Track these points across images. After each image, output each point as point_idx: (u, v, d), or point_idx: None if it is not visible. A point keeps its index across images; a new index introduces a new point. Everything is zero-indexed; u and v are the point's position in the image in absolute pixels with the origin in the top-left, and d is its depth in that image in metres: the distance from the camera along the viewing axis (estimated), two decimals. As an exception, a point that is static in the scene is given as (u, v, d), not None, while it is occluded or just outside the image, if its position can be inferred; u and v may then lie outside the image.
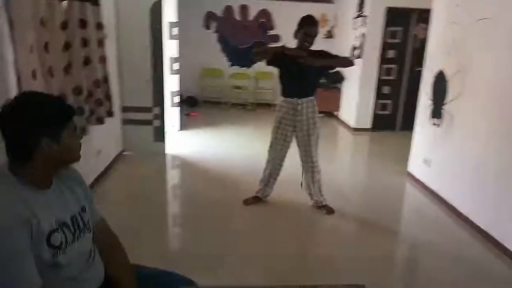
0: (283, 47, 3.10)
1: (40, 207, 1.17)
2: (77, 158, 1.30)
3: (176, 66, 5.76)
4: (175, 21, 5.59)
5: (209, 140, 5.84)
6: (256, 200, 3.60)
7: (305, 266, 2.79)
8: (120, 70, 4.58)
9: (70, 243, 1.25)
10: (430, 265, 2.86)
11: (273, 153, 3.43)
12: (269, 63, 3.24)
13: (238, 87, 8.21)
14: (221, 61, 8.31)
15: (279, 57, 3.11)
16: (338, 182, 4.35)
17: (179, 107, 5.97)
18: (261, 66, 8.15)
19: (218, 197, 3.80)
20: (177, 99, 5.87)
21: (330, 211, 3.50)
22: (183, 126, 6.20)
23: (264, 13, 8.19)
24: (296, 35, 3.15)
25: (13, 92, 2.27)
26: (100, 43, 3.63)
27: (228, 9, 8.18)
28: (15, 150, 1.16)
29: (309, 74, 3.16)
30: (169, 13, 5.51)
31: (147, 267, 1.61)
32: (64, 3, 2.90)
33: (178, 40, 5.66)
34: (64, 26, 2.84)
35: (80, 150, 1.31)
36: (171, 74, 5.74)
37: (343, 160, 5.71)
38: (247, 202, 3.58)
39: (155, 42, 4.60)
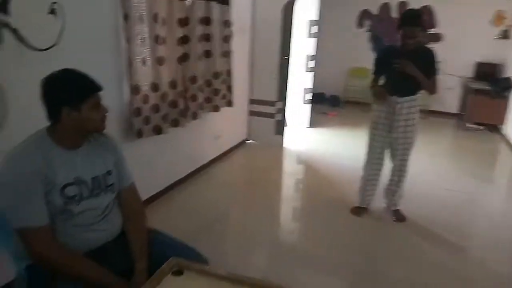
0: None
1: (61, 163, 1.45)
2: (98, 128, 1.54)
3: (311, 64, 5.82)
4: (315, 19, 5.64)
5: (337, 141, 5.73)
6: (358, 210, 3.40)
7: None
8: (251, 65, 4.93)
9: (85, 197, 1.51)
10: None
11: (371, 156, 3.21)
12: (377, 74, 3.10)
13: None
14: (369, 61, 7.96)
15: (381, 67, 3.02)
16: (487, 209, 3.76)
17: (310, 104, 6.02)
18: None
19: (325, 198, 3.76)
20: (309, 96, 5.94)
21: (400, 218, 3.29)
22: (314, 123, 6.23)
23: (426, 10, 7.45)
24: (398, 30, 2.85)
25: (125, 74, 2.76)
26: (226, 39, 4.00)
27: (385, 7, 7.76)
28: (48, 114, 1.46)
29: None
30: (310, 11, 5.61)
31: (166, 235, 1.78)
32: (187, 2, 3.31)
33: (316, 38, 5.70)
34: (183, 22, 3.26)
35: (102, 122, 1.54)
36: (306, 71, 5.84)
37: (498, 184, 4.72)
38: (353, 211, 3.42)
39: (284, 40, 4.76)
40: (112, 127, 2.75)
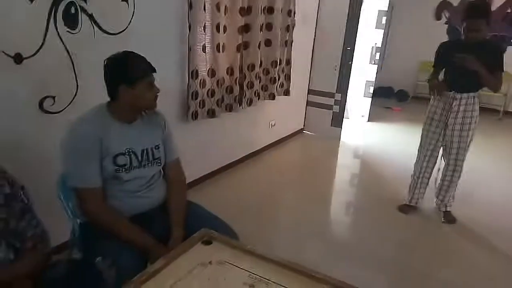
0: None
1: (116, 135, 1.66)
2: (150, 106, 1.72)
3: (377, 56, 5.67)
4: (385, 9, 5.47)
5: (398, 137, 5.56)
6: (406, 208, 3.34)
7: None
8: (313, 55, 4.94)
9: (134, 167, 1.71)
10: None
11: (422, 154, 3.13)
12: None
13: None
14: (445, 56, 7.53)
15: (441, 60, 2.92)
16: None
17: (370, 98, 5.88)
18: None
19: (376, 194, 3.73)
20: (371, 89, 5.80)
21: (450, 220, 3.18)
22: (376, 117, 6.08)
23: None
24: (461, 23, 2.72)
25: (185, 59, 2.96)
26: (288, 28, 4.07)
27: (467, -1, 7.24)
28: (108, 91, 1.67)
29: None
30: (380, 0, 5.44)
31: (203, 209, 1.94)
32: (251, -9, 3.42)
33: (384, 30, 5.53)
34: (246, 11, 3.38)
35: (154, 100, 1.72)
36: (371, 64, 5.71)
37: None
38: (401, 208, 3.36)
39: (349, 31, 4.70)
40: (172, 108, 3.02)
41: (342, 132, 5.08)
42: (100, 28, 2.29)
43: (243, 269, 1.46)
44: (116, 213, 1.66)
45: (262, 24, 3.64)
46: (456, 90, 2.83)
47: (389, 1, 5.50)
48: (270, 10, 3.70)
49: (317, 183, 3.92)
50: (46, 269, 1.38)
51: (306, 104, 5.16)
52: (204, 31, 2.95)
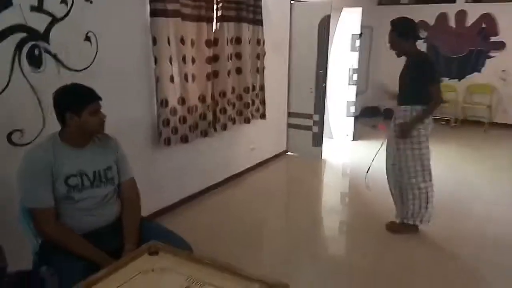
0: None
1: (67, 158, 1.81)
2: (96, 131, 1.88)
3: (355, 77, 5.86)
4: (358, 33, 5.71)
5: (381, 153, 5.63)
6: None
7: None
8: (288, 79, 5.16)
9: (86, 187, 1.85)
10: None
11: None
12: None
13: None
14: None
15: None
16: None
17: (354, 117, 6.03)
18: (476, 78, 7.22)
19: (361, 214, 3.75)
20: (353, 109, 5.96)
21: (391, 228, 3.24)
22: (360, 136, 6.21)
23: (486, 18, 7.08)
24: None
25: (154, 90, 3.16)
26: (259, 56, 4.29)
27: (442, 17, 7.51)
28: (57, 119, 1.84)
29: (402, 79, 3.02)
30: (353, 25, 5.70)
31: (157, 224, 2.06)
32: (218, 24, 3.66)
33: (365, 52, 5.76)
34: (212, 43, 3.60)
35: (101, 126, 1.88)
36: (350, 84, 5.90)
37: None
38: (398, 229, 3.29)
39: (321, 55, 4.92)
40: (144, 135, 3.19)
41: (323, 151, 5.20)
42: (64, 66, 2.51)
43: (182, 274, 1.57)
44: (68, 231, 1.79)
45: (231, 54, 3.87)
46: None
47: (367, 24, 5.75)
48: (238, 40, 3.93)
49: (301, 203, 3.99)
50: (-3, 281, 1.50)
51: (287, 126, 5.32)
52: (171, 63, 3.16)
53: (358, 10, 5.61)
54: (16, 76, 2.26)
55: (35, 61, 2.35)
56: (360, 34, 5.69)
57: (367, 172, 3.55)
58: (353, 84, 5.88)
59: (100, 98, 1.87)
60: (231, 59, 3.88)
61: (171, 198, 3.55)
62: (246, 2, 3.91)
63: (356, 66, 5.82)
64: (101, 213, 1.91)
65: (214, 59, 3.67)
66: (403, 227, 3.22)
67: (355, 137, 6.13)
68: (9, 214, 1.88)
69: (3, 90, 2.21)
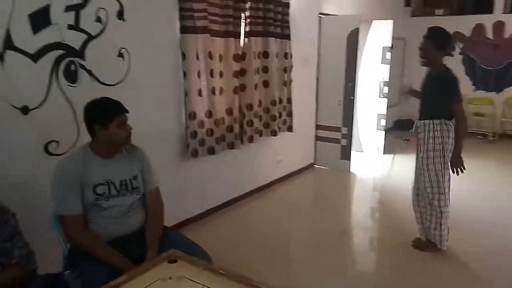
0: None
1: (95, 168, 1.92)
2: (123, 143, 1.98)
3: (386, 89, 5.79)
4: (388, 46, 5.66)
5: (412, 167, 5.51)
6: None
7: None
8: (317, 92, 5.18)
9: (113, 195, 1.95)
10: None
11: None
12: None
13: (478, 114, 7.18)
14: (464, 85, 7.49)
15: None
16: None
17: (384, 131, 5.94)
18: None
19: (387, 228, 3.70)
20: (383, 122, 5.88)
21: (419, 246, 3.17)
22: (391, 150, 6.10)
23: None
24: None
25: (182, 103, 3.27)
26: (286, 70, 4.35)
27: (479, 28, 7.30)
28: (87, 130, 1.96)
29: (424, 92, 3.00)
30: (383, 37, 5.66)
31: (179, 234, 2.13)
32: (246, 39, 3.76)
33: (389, 65, 5.69)
34: (240, 57, 3.70)
35: (127, 138, 1.98)
36: (380, 97, 5.83)
37: None
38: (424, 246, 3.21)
39: (349, 67, 4.91)
40: (173, 147, 3.31)
41: (351, 164, 5.16)
42: (98, 80, 2.66)
43: (199, 283, 1.62)
44: (94, 237, 1.89)
45: (258, 68, 3.94)
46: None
47: (399, 36, 5.70)
48: (265, 54, 4.01)
49: (327, 216, 3.95)
50: (27, 282, 1.61)
51: (315, 139, 5.32)
52: (199, 77, 3.27)
53: (389, 23, 5.56)
54: (53, 90, 2.43)
55: (71, 76, 2.51)
56: (391, 47, 5.63)
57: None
58: (383, 97, 5.81)
59: (127, 111, 1.97)
60: (258, 72, 3.95)
61: (196, 209, 3.63)
62: (273, 18, 3.99)
63: (387, 79, 5.75)
64: (126, 221, 2.00)
65: (241, 73, 3.76)
66: (428, 244, 3.13)
67: (386, 151, 6.03)
68: (43, 220, 2.01)
69: (41, 103, 2.37)
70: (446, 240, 3.05)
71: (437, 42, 2.83)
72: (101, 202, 1.92)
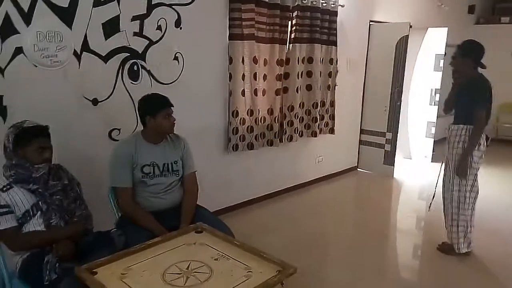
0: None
1: (144, 151, 2.35)
2: (168, 131, 2.38)
3: (437, 97, 5.75)
4: (442, 53, 5.62)
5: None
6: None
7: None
8: (363, 97, 5.32)
9: (157, 175, 2.36)
10: None
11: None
12: None
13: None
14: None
15: None
16: None
17: (434, 139, 5.88)
18: None
19: (424, 234, 3.78)
20: (433, 130, 5.83)
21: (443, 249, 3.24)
22: (439, 158, 5.99)
23: None
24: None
25: (227, 102, 3.66)
26: (330, 74, 4.57)
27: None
28: (140, 120, 2.39)
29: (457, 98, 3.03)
30: (437, 45, 5.63)
31: (209, 212, 2.50)
32: (291, 45, 4.05)
33: (441, 72, 5.64)
34: (284, 62, 4.00)
35: (171, 127, 2.37)
36: (431, 105, 5.80)
37: None
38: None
39: (396, 74, 4.99)
40: (216, 140, 3.71)
41: (396, 170, 5.22)
42: (155, 79, 3.12)
43: (215, 249, 1.97)
44: (139, 207, 2.31)
45: (302, 72, 4.22)
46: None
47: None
48: (310, 60, 4.28)
49: (365, 219, 4.05)
50: (83, 237, 2.06)
51: (359, 143, 5.45)
52: (243, 79, 3.63)
53: (443, 30, 5.53)
54: (119, 86, 2.92)
55: (134, 75, 2.99)
56: (444, 54, 5.58)
57: (433, 198, 3.61)
58: (434, 105, 5.77)
59: (172, 105, 2.38)
60: (301, 76, 4.23)
61: (238, 198, 4.00)
62: (320, 25, 4.24)
63: (438, 87, 5.71)
64: (166, 197, 2.40)
65: (285, 76, 4.06)
66: (450, 247, 3.21)
67: (434, 159, 5.96)
68: (103, 192, 2.48)
69: (108, 97, 2.88)
70: (464, 243, 3.10)
71: (471, 57, 2.91)
72: (146, 180, 2.34)
